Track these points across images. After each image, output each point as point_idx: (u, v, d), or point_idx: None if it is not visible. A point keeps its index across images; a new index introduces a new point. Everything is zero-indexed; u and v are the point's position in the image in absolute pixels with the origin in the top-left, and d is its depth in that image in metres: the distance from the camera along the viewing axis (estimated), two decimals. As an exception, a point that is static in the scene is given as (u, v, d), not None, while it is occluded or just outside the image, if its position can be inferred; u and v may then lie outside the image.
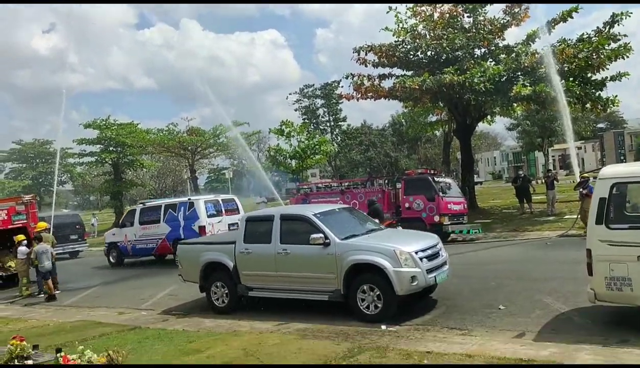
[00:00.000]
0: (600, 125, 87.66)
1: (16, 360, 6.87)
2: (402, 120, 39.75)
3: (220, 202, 18.59)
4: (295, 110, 70.17)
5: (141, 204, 20.23)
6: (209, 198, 19.00)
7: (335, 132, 74.22)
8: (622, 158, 69.67)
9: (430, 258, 8.92)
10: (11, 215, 16.86)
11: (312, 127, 69.58)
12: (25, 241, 15.57)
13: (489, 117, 27.56)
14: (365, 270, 8.72)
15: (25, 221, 17.00)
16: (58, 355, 6.49)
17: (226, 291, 10.26)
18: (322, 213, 9.74)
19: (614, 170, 7.23)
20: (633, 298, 6.63)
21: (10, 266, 16.16)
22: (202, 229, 17.30)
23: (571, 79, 20.36)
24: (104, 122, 40.38)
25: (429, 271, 8.70)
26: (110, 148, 40.99)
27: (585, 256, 6.95)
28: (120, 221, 21.27)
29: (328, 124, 73.08)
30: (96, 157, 42.33)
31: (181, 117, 62.34)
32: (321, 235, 9.04)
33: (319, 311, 9.27)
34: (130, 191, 67.54)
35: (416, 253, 8.62)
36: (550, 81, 18.43)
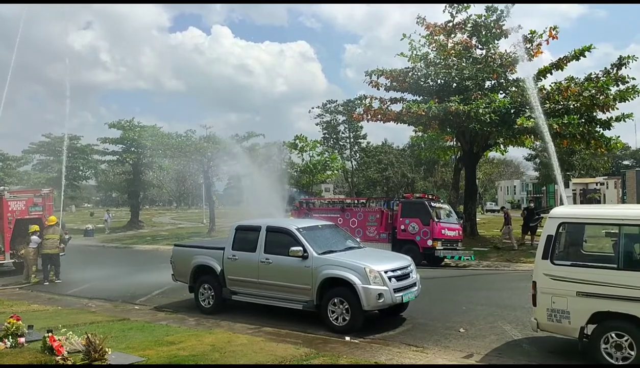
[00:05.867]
0: (626, 162, 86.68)
1: (10, 337, 7.71)
2: (422, 143, 39.77)
3: None
4: (317, 124, 70.97)
5: None
6: None
7: (354, 149, 74.86)
8: (643, 196, 68.58)
9: (400, 278, 9.54)
10: (29, 206, 17.93)
11: (332, 142, 70.39)
12: (38, 232, 16.60)
13: (501, 146, 27.92)
14: (338, 284, 9.39)
15: (41, 212, 18.06)
16: (46, 335, 7.30)
17: (212, 294, 11.00)
18: (305, 228, 10.46)
19: (562, 211, 7.79)
20: (570, 330, 7.18)
21: (21, 254, 17.08)
22: None
23: (577, 116, 20.72)
24: (127, 123, 41.79)
25: (397, 290, 9.32)
26: (132, 149, 42.40)
27: (531, 287, 7.52)
28: None
29: (348, 140, 73.77)
30: (117, 156, 43.83)
31: (199, 125, 64.03)
32: (300, 248, 9.74)
33: (294, 319, 9.96)
34: (151, 191, 69.05)
35: (385, 272, 9.27)
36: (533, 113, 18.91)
